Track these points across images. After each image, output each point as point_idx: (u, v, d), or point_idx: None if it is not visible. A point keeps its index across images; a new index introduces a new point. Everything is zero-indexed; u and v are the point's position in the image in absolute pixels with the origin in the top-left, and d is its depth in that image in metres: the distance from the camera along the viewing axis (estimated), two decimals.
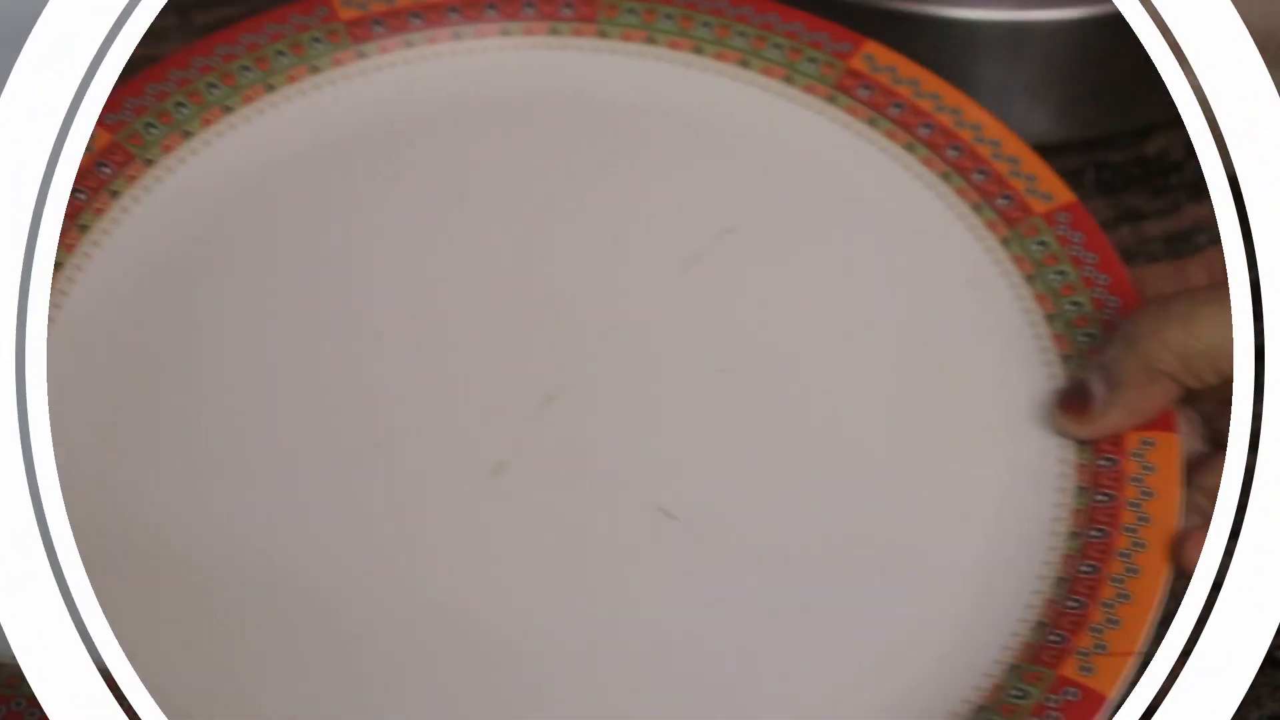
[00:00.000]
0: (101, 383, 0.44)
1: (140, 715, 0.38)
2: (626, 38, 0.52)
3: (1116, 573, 0.41)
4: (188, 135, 0.48)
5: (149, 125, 0.48)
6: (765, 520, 0.43)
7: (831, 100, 0.51)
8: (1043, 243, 0.47)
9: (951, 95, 0.50)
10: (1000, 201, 0.48)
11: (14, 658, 0.37)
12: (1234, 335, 0.42)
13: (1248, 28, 0.43)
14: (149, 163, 0.47)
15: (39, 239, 0.40)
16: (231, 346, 0.45)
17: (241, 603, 0.41)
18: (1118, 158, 0.66)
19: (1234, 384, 0.42)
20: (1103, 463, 0.43)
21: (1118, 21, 0.59)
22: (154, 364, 0.44)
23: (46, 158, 0.40)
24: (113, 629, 0.39)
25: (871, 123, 0.50)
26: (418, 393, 0.44)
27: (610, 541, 0.42)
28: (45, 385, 0.41)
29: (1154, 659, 0.40)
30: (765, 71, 0.51)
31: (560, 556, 0.42)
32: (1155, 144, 0.65)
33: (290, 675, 0.40)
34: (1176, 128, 0.65)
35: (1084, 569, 0.41)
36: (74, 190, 0.46)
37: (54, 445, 0.42)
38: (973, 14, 0.58)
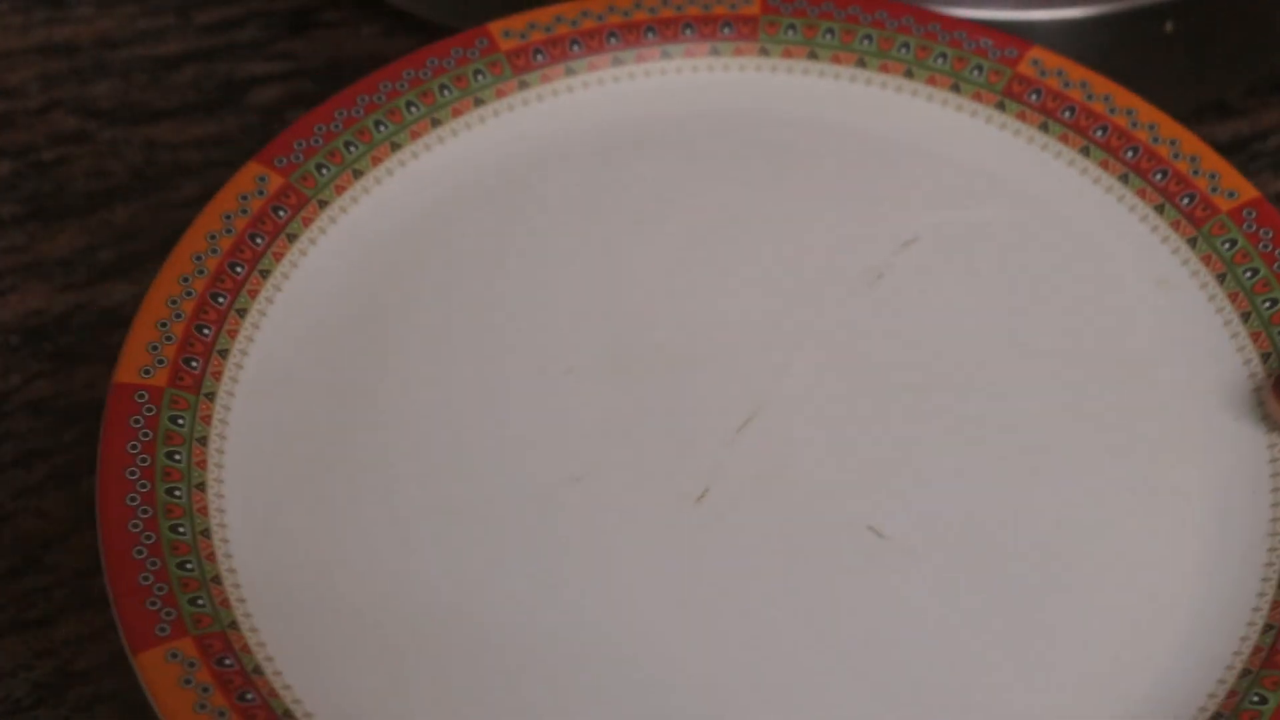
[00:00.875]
0: (292, 424, 0.43)
1: None
2: (788, 55, 0.51)
3: None
4: (358, 174, 0.48)
5: (320, 166, 0.47)
6: (974, 533, 0.42)
7: (1001, 107, 0.50)
8: (1231, 241, 0.47)
9: (1124, 96, 0.50)
10: (1183, 201, 0.47)
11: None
12: None
13: None
14: (323, 204, 0.47)
15: None
16: (418, 385, 0.44)
17: (439, 648, 0.40)
18: None
19: None
20: None
21: (1118, 21, 0.58)
22: (342, 404, 0.44)
23: None
24: (304, 680, 0.39)
25: (1043, 128, 0.50)
26: (610, 424, 0.44)
27: (821, 562, 0.41)
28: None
29: None
30: (931, 81, 0.51)
31: (772, 579, 0.41)
32: None
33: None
34: None
35: None
36: (251, 235, 0.46)
37: (240, 489, 0.42)
38: (973, 14, 0.57)
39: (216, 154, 0.63)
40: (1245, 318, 0.45)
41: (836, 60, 0.51)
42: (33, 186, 0.61)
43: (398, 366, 0.45)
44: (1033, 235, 0.48)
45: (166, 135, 0.63)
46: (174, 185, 0.62)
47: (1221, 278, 0.46)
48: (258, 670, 0.39)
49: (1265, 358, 0.45)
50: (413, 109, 0.49)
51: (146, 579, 0.39)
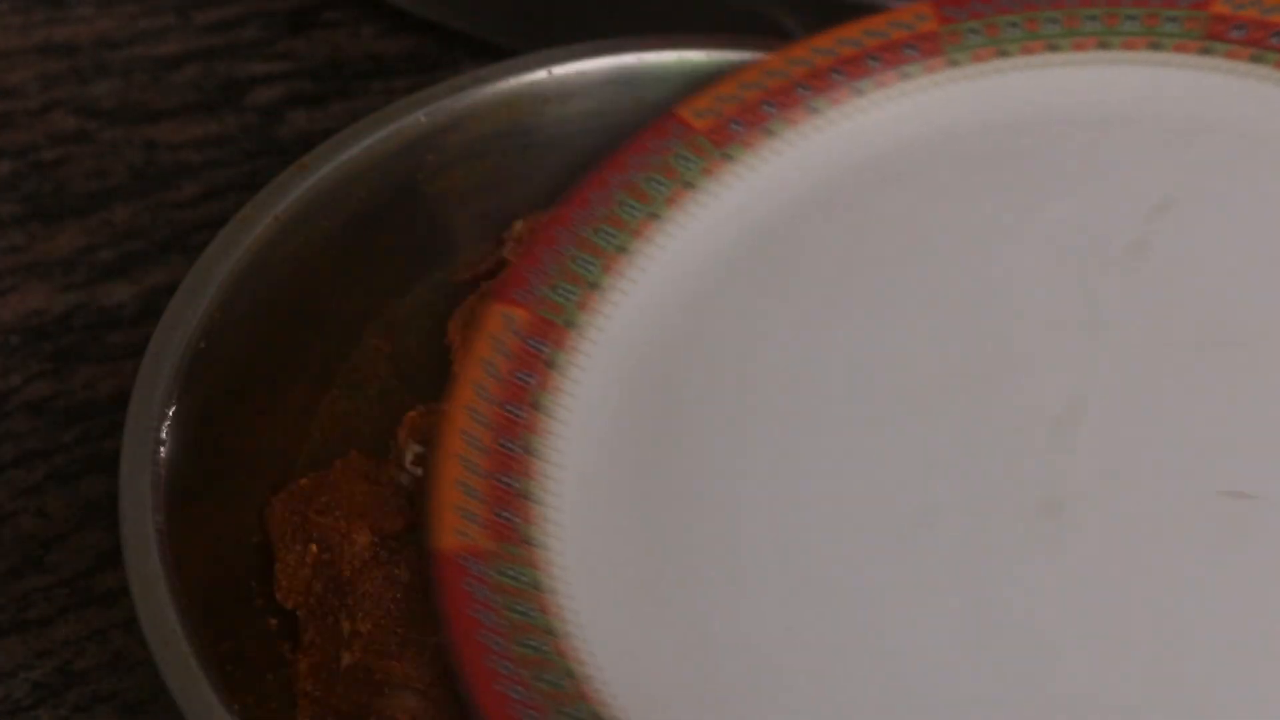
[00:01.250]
0: (621, 542, 0.43)
1: None
2: (978, 59, 0.50)
3: None
4: (597, 288, 0.47)
5: (560, 290, 0.47)
6: None
7: (1206, 52, 0.49)
8: None
9: None
10: None
11: None
12: None
13: None
14: (571, 325, 0.46)
15: None
16: (730, 474, 0.43)
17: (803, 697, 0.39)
18: None
19: None
20: None
21: None
22: (664, 509, 0.43)
23: None
24: None
25: (1256, 60, 0.48)
26: (943, 455, 0.42)
27: (1199, 537, 0.40)
28: None
29: None
30: (1128, 45, 0.50)
31: (1160, 570, 0.40)
32: None
33: None
34: None
35: None
36: (516, 374, 0.45)
37: (593, 622, 0.41)
38: None
39: (216, 154, 0.63)
40: None
41: (1027, 51, 0.50)
42: (33, 186, 0.61)
43: (705, 459, 0.44)
44: (1277, 169, 0.47)
45: (166, 135, 0.63)
46: (174, 185, 0.62)
47: None
48: None
49: None
50: (630, 210, 0.48)
51: None
